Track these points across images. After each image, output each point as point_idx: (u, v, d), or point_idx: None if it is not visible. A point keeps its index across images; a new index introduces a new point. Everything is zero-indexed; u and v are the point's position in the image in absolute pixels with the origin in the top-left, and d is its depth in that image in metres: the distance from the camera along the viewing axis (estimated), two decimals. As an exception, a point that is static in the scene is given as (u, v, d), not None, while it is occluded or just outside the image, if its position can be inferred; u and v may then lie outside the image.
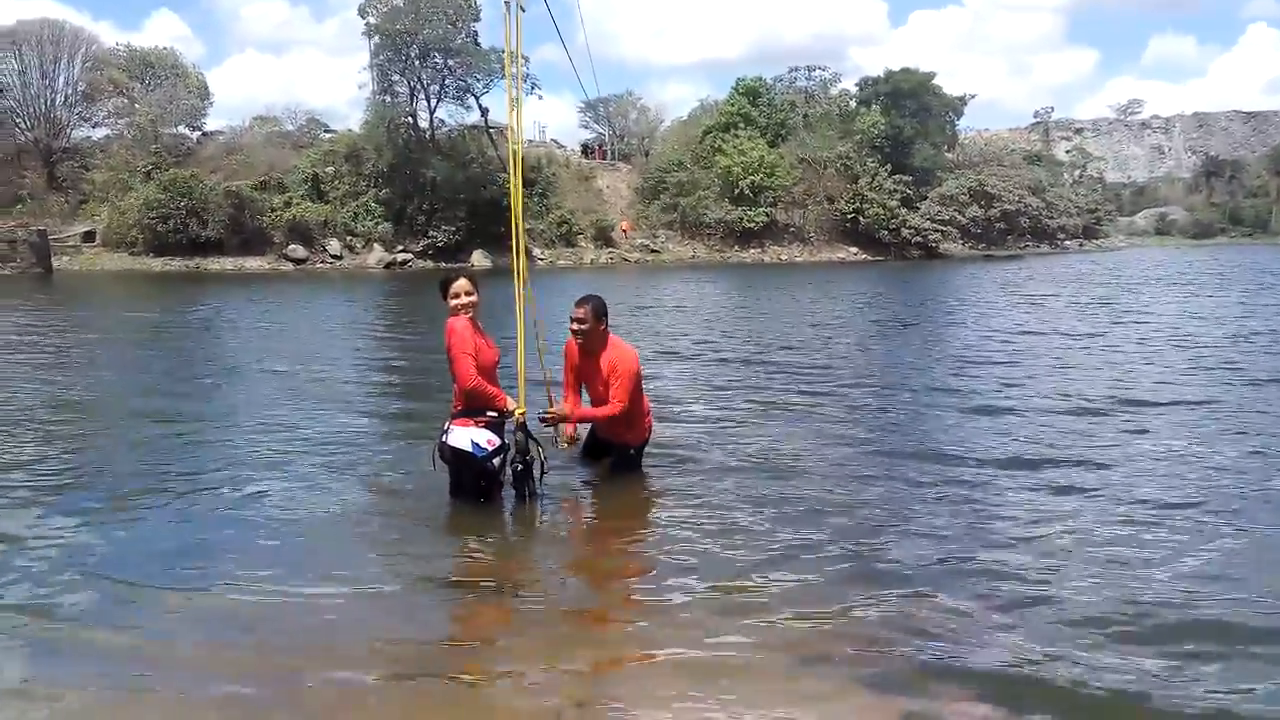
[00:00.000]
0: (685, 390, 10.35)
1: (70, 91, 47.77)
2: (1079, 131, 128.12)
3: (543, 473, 5.83)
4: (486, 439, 5.58)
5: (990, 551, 5.02)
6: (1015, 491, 6.16)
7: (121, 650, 3.97)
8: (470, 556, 5.18)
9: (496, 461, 5.64)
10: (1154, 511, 5.69)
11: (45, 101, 46.97)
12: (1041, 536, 5.26)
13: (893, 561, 4.92)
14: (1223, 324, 16.81)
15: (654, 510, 5.99)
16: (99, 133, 49.39)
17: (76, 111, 48.46)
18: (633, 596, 4.75)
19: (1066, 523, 5.50)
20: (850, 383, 10.89)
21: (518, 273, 5.91)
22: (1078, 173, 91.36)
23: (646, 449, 6.60)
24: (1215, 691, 3.55)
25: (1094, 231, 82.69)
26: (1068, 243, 74.03)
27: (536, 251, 46.91)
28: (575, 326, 6.08)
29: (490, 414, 5.63)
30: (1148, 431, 7.97)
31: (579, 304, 6.10)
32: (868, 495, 6.14)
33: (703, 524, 5.56)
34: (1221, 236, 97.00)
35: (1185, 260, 48.62)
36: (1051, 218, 71.43)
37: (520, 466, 5.70)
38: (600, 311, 6.08)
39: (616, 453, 6.44)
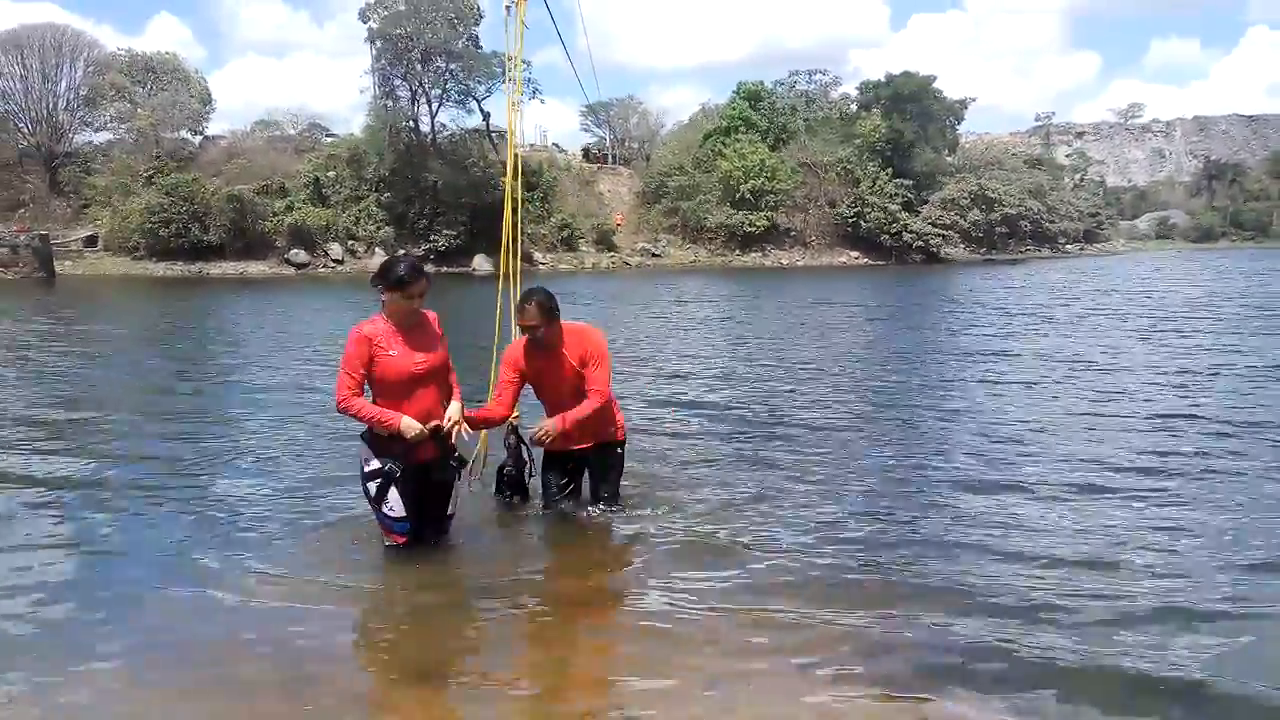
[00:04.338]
0: (672, 400, 10.37)
1: (72, 96, 48.00)
2: (1080, 135, 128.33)
3: (530, 476, 5.81)
4: (364, 457, 4.83)
5: (997, 558, 5.02)
6: (1022, 503, 6.16)
7: (122, 644, 3.97)
8: (467, 562, 5.14)
9: (372, 487, 4.79)
10: (1160, 518, 5.70)
11: (47, 106, 47.21)
12: (1046, 544, 5.24)
13: (899, 566, 4.91)
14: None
15: (648, 513, 5.91)
16: (101, 137, 49.68)
17: (78, 116, 48.64)
18: (632, 599, 4.70)
19: (1073, 529, 5.49)
20: (854, 397, 10.89)
21: (513, 275, 5.92)
22: (1078, 176, 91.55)
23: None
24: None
25: (1095, 235, 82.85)
26: (1069, 247, 74.16)
27: (538, 256, 46.97)
28: (527, 332, 5.25)
29: (377, 431, 4.73)
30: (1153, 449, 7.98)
31: (522, 304, 5.26)
32: (867, 503, 6.14)
33: (699, 527, 5.52)
34: (1223, 240, 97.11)
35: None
36: (1052, 222, 71.59)
37: (513, 472, 5.72)
38: (546, 306, 5.20)
39: (600, 454, 5.59)
